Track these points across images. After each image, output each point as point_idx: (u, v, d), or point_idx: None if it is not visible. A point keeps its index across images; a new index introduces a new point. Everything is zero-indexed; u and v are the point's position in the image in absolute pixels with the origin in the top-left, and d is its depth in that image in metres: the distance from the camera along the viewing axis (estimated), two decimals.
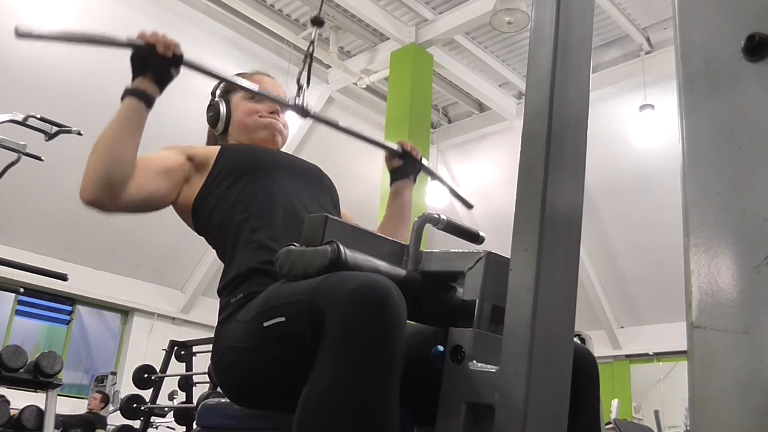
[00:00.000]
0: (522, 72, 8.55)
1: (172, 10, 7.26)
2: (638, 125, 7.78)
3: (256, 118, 1.61)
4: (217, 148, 1.53)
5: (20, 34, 1.25)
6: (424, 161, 1.77)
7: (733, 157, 0.60)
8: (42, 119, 3.93)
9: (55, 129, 3.95)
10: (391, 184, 1.78)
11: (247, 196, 1.41)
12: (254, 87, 1.56)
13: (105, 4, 7.12)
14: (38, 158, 4.01)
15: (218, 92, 1.69)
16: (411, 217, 1.74)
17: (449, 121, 9.99)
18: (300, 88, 1.59)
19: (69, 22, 7.03)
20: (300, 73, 1.58)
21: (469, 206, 1.86)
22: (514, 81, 8.75)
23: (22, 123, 3.83)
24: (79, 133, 3.98)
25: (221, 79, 1.56)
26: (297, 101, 1.57)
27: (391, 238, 1.18)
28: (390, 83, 7.93)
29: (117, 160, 1.31)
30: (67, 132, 3.96)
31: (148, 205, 1.41)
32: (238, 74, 1.72)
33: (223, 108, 1.63)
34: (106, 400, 7.28)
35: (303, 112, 1.58)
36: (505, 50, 8.40)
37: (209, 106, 1.67)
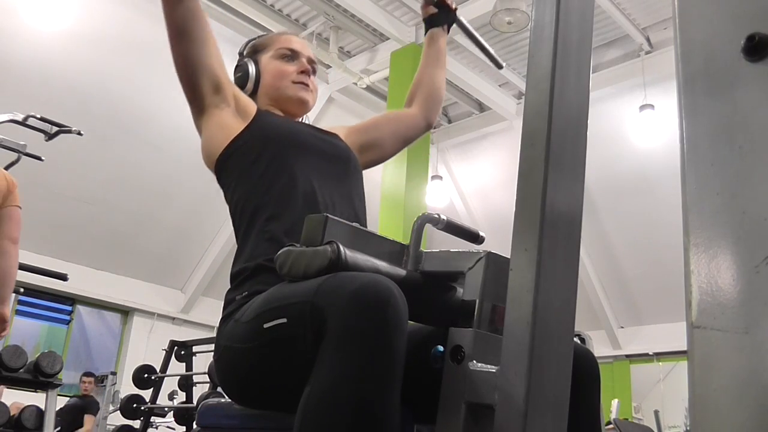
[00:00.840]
0: (522, 72, 8.55)
1: None
2: (638, 125, 7.78)
3: (288, 81, 1.58)
4: (255, 107, 1.51)
5: None
6: (459, 16, 1.80)
7: (733, 157, 0.60)
8: (42, 119, 3.94)
9: (55, 129, 3.96)
10: (426, 32, 1.84)
11: (269, 178, 1.38)
12: (286, 43, 1.59)
13: (105, 4, 7.12)
14: (38, 158, 4.02)
15: (246, 51, 1.66)
16: (445, 66, 1.82)
17: (449, 121, 9.98)
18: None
19: (69, 22, 7.03)
20: None
21: (499, 66, 1.86)
22: (514, 81, 8.75)
23: (22, 123, 3.83)
24: (79, 133, 3.98)
25: None
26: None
27: (390, 238, 1.18)
28: (390, 83, 7.93)
29: None
30: (67, 132, 3.97)
31: (193, 38, 1.43)
32: (263, 34, 1.71)
33: (252, 68, 1.59)
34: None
35: None
36: (505, 50, 8.40)
37: (237, 66, 1.63)
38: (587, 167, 0.98)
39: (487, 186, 9.99)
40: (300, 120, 1.64)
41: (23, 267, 4.06)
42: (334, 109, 9.05)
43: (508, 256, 0.95)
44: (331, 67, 8.35)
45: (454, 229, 1.27)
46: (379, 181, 7.11)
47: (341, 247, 1.02)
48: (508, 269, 0.94)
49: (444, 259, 1.12)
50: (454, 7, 1.78)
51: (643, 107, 7.58)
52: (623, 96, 8.10)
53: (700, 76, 0.64)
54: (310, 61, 1.64)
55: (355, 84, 8.55)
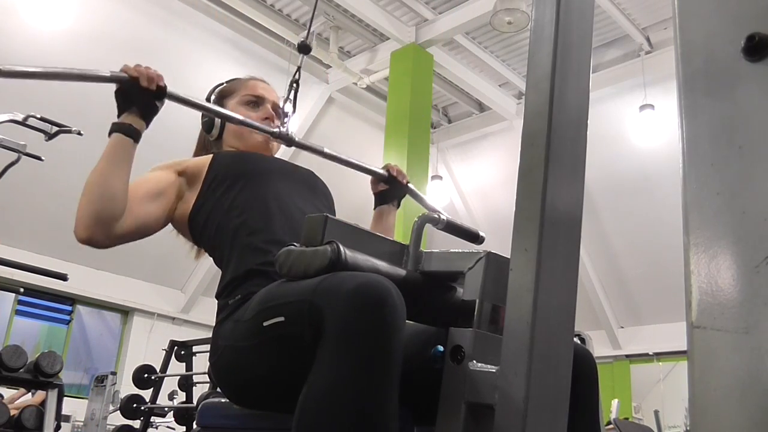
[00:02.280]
0: (522, 72, 8.55)
1: (172, 9, 7.26)
2: (638, 125, 7.78)
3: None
4: (209, 157, 1.53)
5: (2, 73, 1.23)
6: (411, 186, 1.75)
7: (733, 157, 0.60)
8: (42, 119, 3.93)
9: (55, 129, 3.95)
10: (375, 207, 1.76)
11: (241, 201, 1.41)
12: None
13: (104, 4, 7.13)
14: (38, 158, 4.01)
15: (213, 98, 1.69)
16: (394, 230, 1.74)
17: (449, 121, 9.99)
18: (285, 115, 1.61)
19: (69, 21, 7.04)
20: (285, 101, 1.59)
21: (474, 238, 1.74)
22: (514, 81, 8.75)
23: (22, 123, 3.83)
24: (79, 133, 3.98)
25: (205, 110, 1.55)
26: (282, 129, 1.57)
27: (390, 238, 1.18)
28: (390, 83, 7.93)
29: (107, 197, 1.32)
30: (67, 132, 3.96)
31: (143, 231, 1.41)
32: (232, 79, 1.72)
33: None
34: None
35: (288, 141, 1.58)
36: (505, 50, 8.40)
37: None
38: (587, 167, 0.98)
39: (487, 186, 9.99)
40: None
41: (23, 267, 4.06)
42: (334, 109, 9.05)
43: (508, 256, 0.95)
44: (331, 67, 8.36)
45: (454, 229, 1.27)
46: None
47: (341, 247, 1.02)
48: (508, 269, 0.94)
49: (444, 259, 1.12)
50: (405, 181, 1.73)
51: (643, 107, 7.58)
52: (623, 96, 8.10)
53: (700, 76, 0.64)
54: (275, 107, 1.66)
55: (355, 84, 8.55)
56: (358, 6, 7.33)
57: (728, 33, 0.63)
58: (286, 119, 1.61)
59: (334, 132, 9.13)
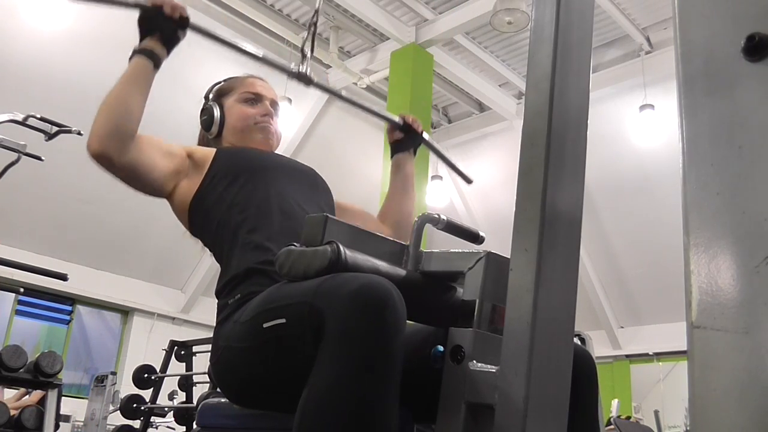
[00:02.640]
0: (522, 72, 8.55)
1: None
2: (638, 125, 7.78)
3: (250, 123, 1.62)
4: (213, 150, 1.53)
5: None
6: (425, 135, 1.79)
7: (733, 157, 0.60)
8: (42, 119, 3.93)
9: (55, 129, 3.95)
10: (391, 156, 1.79)
11: (243, 198, 1.41)
12: (250, 87, 1.61)
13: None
14: (38, 158, 4.02)
15: (211, 96, 1.69)
16: (414, 190, 1.76)
17: (449, 121, 9.99)
18: (304, 56, 1.60)
19: (69, 21, 7.04)
20: (304, 42, 1.59)
21: (468, 181, 1.88)
22: (514, 81, 8.75)
23: (22, 123, 3.83)
24: (79, 133, 3.97)
25: (226, 44, 1.55)
26: (300, 68, 1.58)
27: (390, 238, 1.18)
28: (390, 83, 7.93)
29: (126, 112, 1.32)
30: (67, 132, 3.96)
31: (147, 175, 1.39)
32: (229, 78, 1.73)
33: (216, 111, 1.63)
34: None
35: (306, 79, 1.59)
36: (505, 50, 8.40)
37: (203, 109, 1.67)
38: (587, 167, 0.98)
39: (487, 186, 9.98)
40: None
41: (23, 267, 4.06)
42: (333, 109, 9.05)
43: (508, 256, 0.95)
44: (331, 67, 8.35)
45: (454, 229, 1.27)
46: (380, 181, 7.11)
47: (341, 247, 1.02)
48: (508, 269, 0.94)
49: (444, 259, 1.12)
50: (420, 130, 1.76)
51: (643, 107, 7.58)
52: (623, 96, 8.09)
53: (700, 76, 0.64)
54: (273, 104, 1.67)
55: (355, 84, 8.55)
56: (358, 6, 7.33)
57: (728, 33, 0.63)
58: (304, 60, 1.60)
59: (334, 132, 9.13)
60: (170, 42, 1.40)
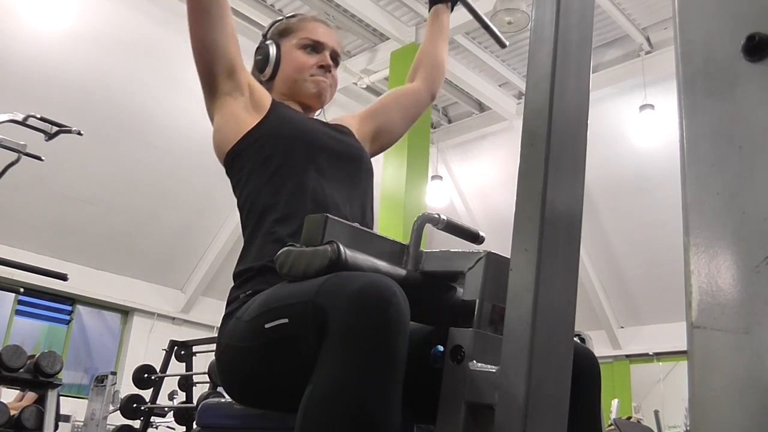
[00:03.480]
0: (522, 72, 8.55)
1: (172, 10, 7.25)
2: (638, 125, 7.78)
3: (306, 75, 1.55)
4: (269, 97, 1.49)
5: None
6: None
7: (733, 157, 0.60)
8: (42, 119, 3.94)
9: (55, 129, 3.96)
10: (429, 8, 1.86)
11: (279, 179, 1.37)
12: (311, 33, 1.58)
13: (104, 4, 7.12)
14: (38, 158, 4.02)
15: (270, 34, 1.62)
16: (447, 42, 1.84)
17: (449, 121, 9.98)
18: None
19: (69, 21, 7.03)
20: None
21: (503, 45, 1.86)
22: (514, 81, 8.75)
23: (22, 123, 3.83)
24: (79, 133, 3.98)
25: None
26: None
27: (390, 238, 1.18)
28: (390, 83, 7.93)
29: None
30: (67, 132, 3.97)
31: (212, 16, 1.41)
32: (290, 16, 1.66)
33: (273, 52, 1.56)
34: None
35: None
36: (505, 50, 8.38)
37: (258, 48, 1.60)
38: (587, 167, 0.98)
39: (487, 186, 9.98)
40: (314, 115, 1.62)
41: (23, 267, 4.06)
42: (334, 109, 8.92)
43: (508, 256, 0.95)
44: None
45: (454, 229, 1.27)
46: (380, 181, 7.11)
47: (341, 247, 1.02)
48: (508, 269, 0.94)
49: (444, 259, 1.12)
50: None
51: (643, 107, 7.58)
52: (623, 96, 8.10)
53: (700, 76, 0.64)
54: (334, 54, 1.60)
55: (355, 84, 8.55)
56: (358, 6, 7.33)
57: (728, 33, 0.63)
58: None
59: None
60: None
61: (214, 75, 1.44)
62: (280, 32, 1.61)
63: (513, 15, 6.28)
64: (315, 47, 1.57)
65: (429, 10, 1.86)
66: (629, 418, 6.55)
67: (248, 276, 1.30)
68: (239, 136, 1.42)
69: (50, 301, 9.01)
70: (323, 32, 1.60)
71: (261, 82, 1.57)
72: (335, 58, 1.60)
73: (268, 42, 1.59)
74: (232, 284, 1.34)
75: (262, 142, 1.41)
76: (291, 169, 1.38)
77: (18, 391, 5.57)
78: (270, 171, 1.38)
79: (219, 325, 1.30)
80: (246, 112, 1.44)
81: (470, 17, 1.86)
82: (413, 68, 1.81)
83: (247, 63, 1.56)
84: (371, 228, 1.48)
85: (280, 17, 1.68)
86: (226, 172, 1.47)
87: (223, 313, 1.29)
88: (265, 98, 1.48)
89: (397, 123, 1.72)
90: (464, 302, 1.06)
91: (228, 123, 1.44)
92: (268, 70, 1.56)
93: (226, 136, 1.44)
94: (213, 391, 5.19)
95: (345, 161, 1.48)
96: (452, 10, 1.86)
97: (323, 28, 1.62)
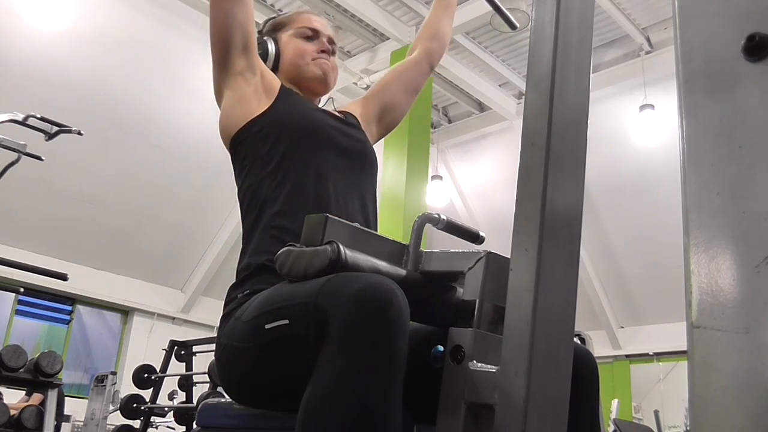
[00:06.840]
0: (522, 72, 8.55)
1: (172, 10, 7.26)
2: (638, 125, 7.79)
3: (308, 59, 1.57)
4: (278, 82, 1.50)
5: None
6: None
7: (733, 157, 0.60)
8: (42, 119, 3.94)
9: (55, 129, 3.96)
10: None
11: (282, 171, 1.36)
12: (306, 23, 1.60)
13: (104, 4, 7.12)
14: (38, 158, 4.02)
15: (266, 30, 1.65)
16: (453, 16, 1.91)
17: (449, 121, 9.99)
18: None
19: (69, 21, 7.03)
20: None
21: (513, 26, 1.91)
22: (514, 81, 8.75)
23: (22, 123, 3.84)
24: (79, 133, 3.98)
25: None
26: None
27: (390, 238, 1.18)
28: None
29: None
30: (67, 132, 3.97)
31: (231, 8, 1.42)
32: (282, 13, 1.71)
33: (271, 46, 1.58)
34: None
35: None
36: (505, 50, 8.40)
37: (257, 44, 1.61)
38: (587, 167, 0.98)
39: (487, 186, 9.99)
40: (321, 104, 1.64)
41: (23, 267, 4.06)
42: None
43: (508, 256, 0.95)
44: None
45: (454, 229, 1.27)
46: (380, 181, 7.10)
47: (341, 247, 1.02)
48: (508, 269, 0.94)
49: (444, 259, 1.12)
50: None
51: (643, 107, 7.58)
52: (623, 96, 8.10)
53: (700, 76, 0.64)
54: (330, 41, 1.63)
55: (355, 84, 8.55)
56: (358, 6, 7.33)
57: (728, 33, 0.63)
58: None
59: None
60: None
61: (229, 49, 1.44)
62: (275, 27, 1.64)
63: (513, 15, 6.24)
64: (312, 35, 1.61)
65: None
66: (631, 421, 6.54)
67: (247, 274, 1.30)
68: (246, 120, 1.42)
69: (50, 301, 9.02)
70: (317, 21, 1.65)
71: None
72: (332, 45, 1.64)
73: (264, 37, 1.61)
74: (232, 283, 1.33)
75: (267, 131, 1.41)
76: (294, 163, 1.38)
77: (24, 393, 5.57)
78: (273, 163, 1.38)
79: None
80: (255, 97, 1.45)
81: (472, 16, 1.87)
82: (416, 41, 1.85)
83: None
84: (374, 222, 1.48)
85: (272, 16, 1.71)
86: (231, 159, 1.47)
87: (222, 313, 1.29)
88: (275, 82, 1.50)
89: (401, 99, 1.74)
90: (464, 302, 1.06)
91: (236, 106, 1.44)
92: (269, 64, 1.58)
93: (232, 120, 1.44)
94: (213, 391, 5.19)
95: (349, 155, 1.48)
96: None
97: (317, 18, 1.66)
